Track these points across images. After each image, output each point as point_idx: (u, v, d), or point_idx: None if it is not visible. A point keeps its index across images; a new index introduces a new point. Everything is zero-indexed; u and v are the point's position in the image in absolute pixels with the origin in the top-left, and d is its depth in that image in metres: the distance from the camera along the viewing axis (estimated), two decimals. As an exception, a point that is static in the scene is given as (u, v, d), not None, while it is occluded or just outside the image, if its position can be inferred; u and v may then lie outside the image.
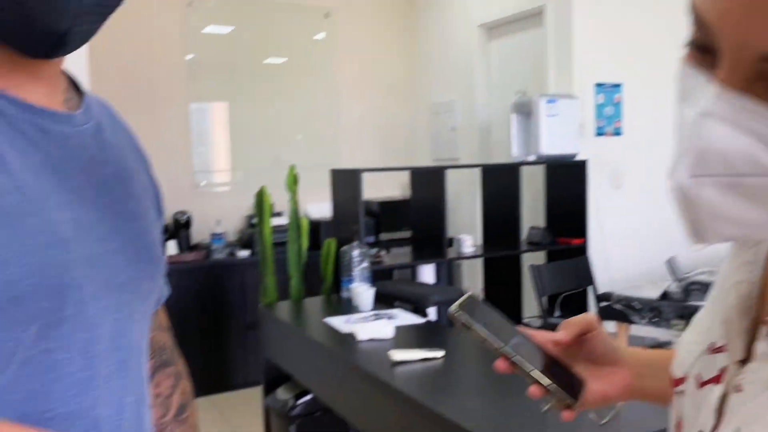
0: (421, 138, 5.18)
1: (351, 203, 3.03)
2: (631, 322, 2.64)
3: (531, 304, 3.72)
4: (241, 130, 4.69)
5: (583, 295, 3.57)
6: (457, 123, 4.71)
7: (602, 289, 3.51)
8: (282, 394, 2.78)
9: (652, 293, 2.68)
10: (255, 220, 4.37)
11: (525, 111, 3.60)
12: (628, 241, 3.86)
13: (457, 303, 0.66)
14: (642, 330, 3.65)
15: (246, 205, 4.69)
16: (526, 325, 3.56)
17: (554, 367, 0.65)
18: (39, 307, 0.48)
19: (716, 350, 0.53)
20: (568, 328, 0.70)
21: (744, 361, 0.49)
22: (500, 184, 3.56)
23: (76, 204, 0.55)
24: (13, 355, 0.48)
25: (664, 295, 2.63)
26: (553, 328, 2.38)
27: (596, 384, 0.67)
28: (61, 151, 0.56)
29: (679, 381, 0.57)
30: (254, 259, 4.19)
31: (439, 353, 1.99)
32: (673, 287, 2.67)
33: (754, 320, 0.50)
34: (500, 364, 0.65)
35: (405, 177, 5.13)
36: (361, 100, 5.02)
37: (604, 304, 2.75)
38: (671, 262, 2.57)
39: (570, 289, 3.45)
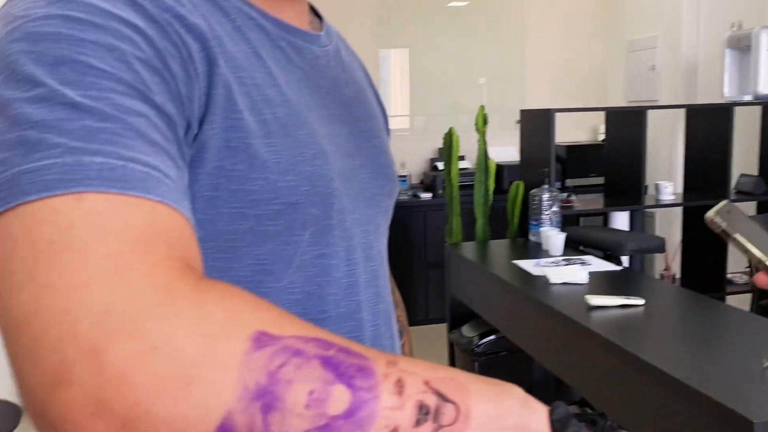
0: (615, 79, 4.85)
1: (541, 145, 2.94)
2: None
3: (736, 261, 3.40)
4: (421, 75, 4.71)
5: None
6: (658, 61, 4.34)
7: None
8: (467, 331, 2.84)
9: None
10: (438, 164, 4.44)
11: (741, 46, 3.22)
12: None
13: (714, 209, 0.61)
14: None
15: (427, 150, 4.75)
16: (729, 281, 3.28)
17: None
18: (311, 213, 0.51)
19: None
20: None
21: None
22: (707, 127, 3.25)
23: (327, 120, 0.58)
24: (293, 257, 0.52)
25: None
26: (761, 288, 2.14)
27: None
28: (312, 69, 0.59)
29: None
30: (436, 202, 4.27)
31: (639, 301, 1.90)
32: None
33: None
34: (762, 278, 0.59)
35: (594, 120, 4.87)
36: (548, 40, 4.81)
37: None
38: None
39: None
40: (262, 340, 0.34)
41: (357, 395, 0.35)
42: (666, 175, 4.12)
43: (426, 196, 4.32)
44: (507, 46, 4.77)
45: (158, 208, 0.37)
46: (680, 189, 3.45)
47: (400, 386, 0.37)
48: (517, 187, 2.95)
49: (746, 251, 0.59)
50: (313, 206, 0.51)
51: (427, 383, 0.39)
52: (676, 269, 3.46)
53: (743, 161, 3.57)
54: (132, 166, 0.37)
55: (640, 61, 4.52)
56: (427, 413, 0.38)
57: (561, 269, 2.23)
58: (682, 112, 3.53)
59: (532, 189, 2.85)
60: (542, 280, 2.19)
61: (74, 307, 0.31)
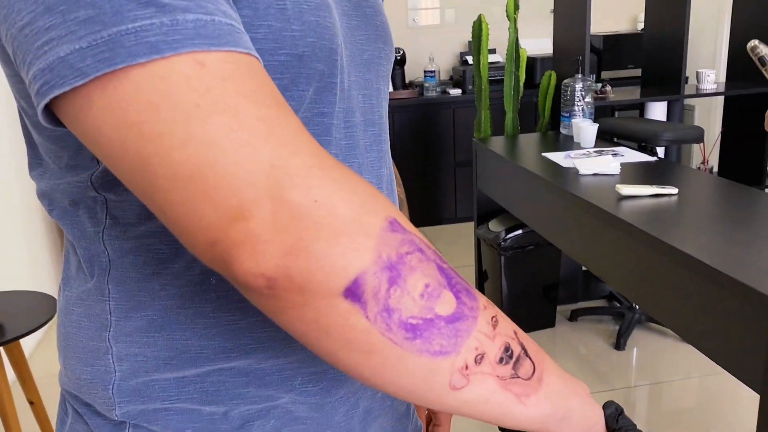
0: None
1: (575, 33, 2.78)
2: None
3: (778, 152, 3.27)
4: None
5: None
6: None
7: None
8: (494, 226, 2.81)
9: None
10: (468, 58, 4.27)
11: None
12: None
13: (756, 40, 0.57)
14: None
15: (457, 44, 4.58)
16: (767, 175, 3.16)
17: None
18: (315, 68, 0.48)
19: None
20: None
21: None
22: (754, 8, 3.03)
23: None
24: (296, 113, 0.49)
25: None
26: None
27: None
28: None
29: None
30: (465, 98, 4.15)
31: (672, 190, 1.83)
32: None
33: None
34: None
35: (634, 9, 4.60)
36: None
37: None
38: None
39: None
40: (395, 225, 0.38)
41: (461, 307, 0.40)
42: (709, 63, 3.91)
43: (455, 92, 4.19)
44: (542, -71, 4.46)
45: (255, 63, 0.38)
46: (723, 78, 3.27)
47: (495, 322, 0.42)
48: (549, 77, 2.83)
49: None
50: (318, 60, 0.48)
51: (516, 333, 0.44)
52: (714, 162, 3.35)
53: (793, 47, 3.35)
54: (218, 19, 0.37)
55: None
56: (510, 357, 0.42)
57: (592, 160, 2.16)
58: (729, -6, 3.29)
59: (564, 79, 2.72)
60: (572, 172, 2.13)
61: (246, 162, 0.35)
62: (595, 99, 2.81)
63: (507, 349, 0.42)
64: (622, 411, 0.51)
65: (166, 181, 0.35)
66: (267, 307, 0.37)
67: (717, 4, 3.84)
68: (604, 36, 4.22)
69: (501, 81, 3.79)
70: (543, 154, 2.41)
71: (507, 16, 2.79)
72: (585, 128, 2.48)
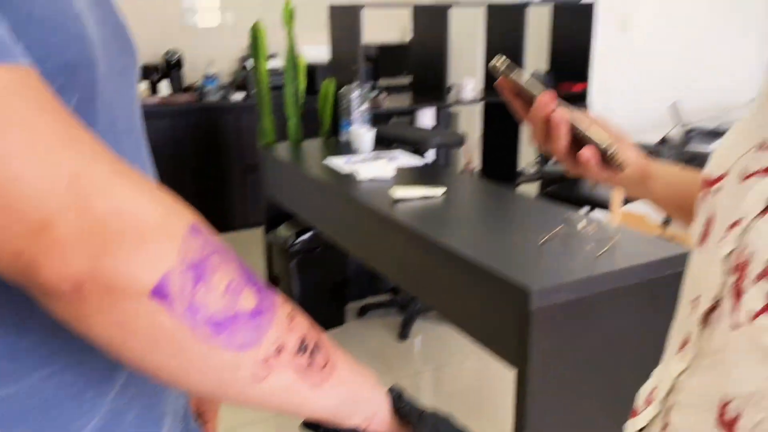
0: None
1: (350, 42, 2.93)
2: (628, 166, 2.67)
3: (528, 152, 3.73)
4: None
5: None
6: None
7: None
8: (283, 231, 2.86)
9: (653, 138, 2.69)
10: (249, 62, 4.26)
11: (534, -54, 3.39)
12: (631, 86, 3.80)
13: (496, 58, 0.68)
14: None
15: (238, 47, 4.54)
16: (520, 173, 3.59)
17: (589, 124, 0.68)
18: (78, 79, 0.48)
19: (766, 147, 0.54)
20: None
21: None
22: (504, 25, 3.43)
23: None
24: None
25: (663, 140, 2.63)
26: (549, 176, 2.43)
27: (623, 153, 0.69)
28: None
29: (717, 180, 0.59)
30: (249, 103, 4.13)
31: (439, 191, 2.02)
32: (674, 132, 2.67)
33: None
34: (542, 106, 0.66)
35: (405, 20, 4.93)
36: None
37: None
38: (674, 106, 2.55)
39: (568, 136, 3.46)
40: (196, 229, 0.41)
41: (261, 303, 0.43)
42: (468, 72, 4.33)
43: (238, 96, 4.16)
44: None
45: (35, 75, 0.38)
46: (481, 86, 3.65)
47: (291, 317, 0.46)
48: (327, 86, 2.94)
49: (521, 88, 0.66)
50: (80, 71, 0.48)
51: (309, 326, 0.47)
52: (476, 163, 3.73)
53: (536, 58, 3.84)
54: None
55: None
56: (306, 348, 0.46)
57: (369, 165, 2.29)
58: (482, 11, 3.68)
59: (342, 87, 2.85)
60: (352, 177, 2.24)
61: (47, 173, 0.35)
62: (371, 106, 2.98)
63: (303, 341, 0.46)
64: (401, 393, 0.57)
65: None
66: (73, 314, 0.37)
67: (473, 17, 4.27)
68: (379, 46, 4.47)
69: (282, 86, 3.84)
70: (325, 160, 2.51)
71: (284, 23, 2.84)
72: (362, 134, 2.62)
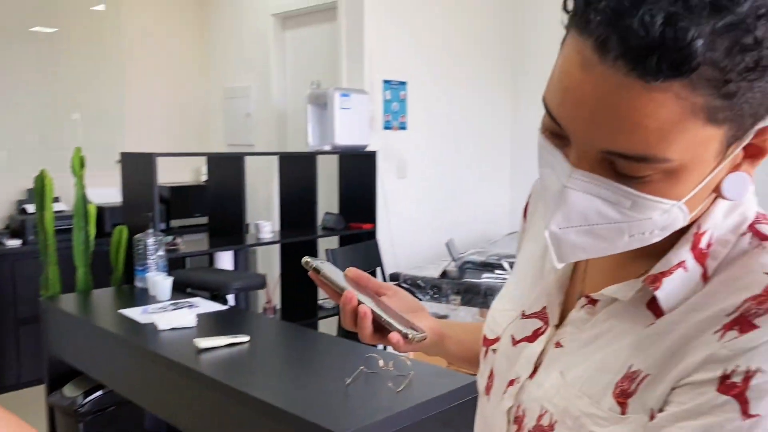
0: (215, 122, 5.09)
1: (144, 189, 2.92)
2: (417, 299, 2.92)
3: (325, 287, 3.89)
4: (3, 106, 4.21)
5: (373, 276, 3.83)
6: (253, 109, 4.72)
7: (390, 269, 3.80)
8: (69, 391, 2.61)
9: (434, 272, 2.99)
10: (27, 206, 3.99)
11: (320, 102, 3.73)
12: (412, 225, 4.21)
13: (309, 257, 0.78)
14: (426, 305, 4.02)
15: (13, 190, 4.24)
16: (321, 307, 3.72)
17: (392, 312, 0.77)
18: None
19: (527, 317, 0.69)
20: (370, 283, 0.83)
21: (557, 326, 0.66)
22: (297, 171, 3.66)
23: None
24: None
25: (444, 274, 2.94)
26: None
27: (419, 323, 0.80)
28: None
29: (494, 341, 0.73)
30: (26, 249, 3.83)
31: (244, 338, 2.04)
32: (451, 266, 3.00)
33: (566, 295, 0.67)
34: (347, 301, 0.75)
35: (197, 162, 5.01)
36: (149, 81, 4.79)
37: (392, 283, 3.00)
38: (449, 244, 2.88)
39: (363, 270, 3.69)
40: None
41: None
42: (264, 214, 4.48)
43: (14, 243, 3.83)
44: (104, 83, 4.59)
45: None
46: (277, 227, 3.79)
47: None
48: (121, 232, 2.86)
49: (331, 283, 0.76)
50: None
51: None
52: (277, 301, 3.79)
53: (327, 201, 4.12)
54: None
55: (236, 107, 4.85)
56: None
57: (169, 314, 2.25)
58: (275, 157, 3.90)
59: (136, 233, 2.80)
60: (151, 327, 2.17)
61: None
62: (167, 251, 2.94)
63: None
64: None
65: None
66: None
67: (267, 162, 4.49)
68: (171, 187, 4.47)
69: (67, 230, 3.63)
70: (119, 310, 2.40)
71: (73, 173, 2.77)
72: (159, 282, 2.57)
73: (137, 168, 2.96)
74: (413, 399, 1.60)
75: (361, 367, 1.77)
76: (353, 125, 3.69)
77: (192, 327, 2.19)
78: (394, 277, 3.02)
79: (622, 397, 0.56)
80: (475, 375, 0.79)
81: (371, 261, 3.74)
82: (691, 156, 0.48)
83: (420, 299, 2.94)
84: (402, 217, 4.13)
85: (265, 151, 4.29)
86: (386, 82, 4.04)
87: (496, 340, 0.73)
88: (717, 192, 0.54)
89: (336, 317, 3.64)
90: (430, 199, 4.33)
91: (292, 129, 4.57)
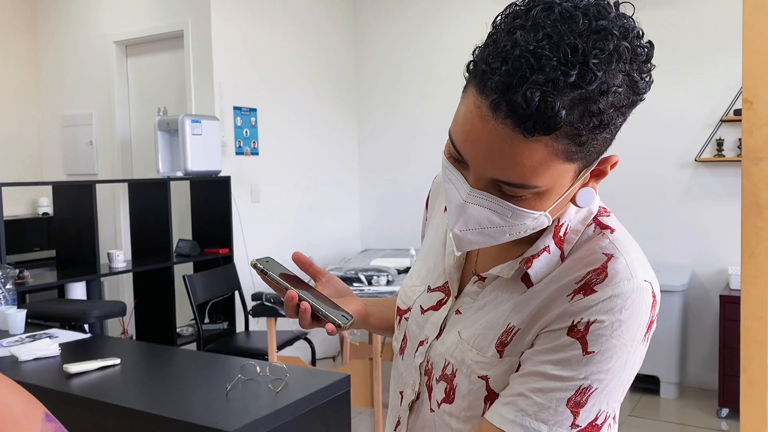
0: (51, 152, 4.86)
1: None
2: (281, 315, 3.04)
3: (183, 313, 3.87)
4: None
5: (231, 300, 3.88)
6: (95, 137, 4.58)
7: (248, 292, 3.88)
8: None
9: (295, 290, 3.13)
10: None
11: (170, 129, 3.75)
12: (269, 248, 4.32)
13: (256, 258, 0.92)
14: (289, 322, 4.13)
15: None
16: (179, 334, 3.71)
17: (326, 300, 0.92)
18: None
19: (433, 290, 0.89)
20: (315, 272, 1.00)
21: (456, 297, 0.86)
22: (148, 198, 3.64)
23: None
24: None
25: (305, 291, 3.09)
26: (207, 334, 2.79)
27: (348, 307, 0.96)
28: None
29: (406, 311, 0.92)
30: None
31: (115, 360, 2.06)
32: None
33: (463, 272, 0.87)
34: (289, 299, 0.90)
35: (33, 193, 4.75)
36: (-26, 108, 4.48)
37: (256, 303, 3.09)
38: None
39: (221, 295, 3.73)
40: (49, 417, 0.55)
41: None
42: (112, 244, 4.35)
43: None
44: None
45: None
46: (129, 256, 3.73)
47: None
48: (-39, 267, 2.70)
49: (276, 283, 0.91)
50: None
51: None
52: (132, 330, 3.71)
53: (180, 228, 4.11)
54: None
55: (77, 135, 4.67)
56: None
57: (30, 345, 2.19)
58: (124, 185, 3.84)
59: (-21, 268, 2.66)
60: (10, 360, 2.11)
61: None
62: (15, 284, 2.81)
63: None
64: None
65: None
66: None
67: (114, 191, 4.38)
68: (6, 221, 4.19)
69: None
70: (-31, 347, 2.28)
71: None
72: (12, 315, 2.48)
73: (-23, 199, 2.81)
74: (291, 397, 1.74)
75: (239, 375, 1.88)
76: (205, 151, 3.75)
77: (56, 356, 2.15)
78: (257, 297, 3.12)
79: (501, 346, 0.77)
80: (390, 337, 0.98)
81: (230, 284, 3.80)
82: (554, 183, 0.70)
83: (283, 316, 3.07)
84: (258, 240, 4.23)
85: (112, 179, 4.18)
86: (236, 108, 4.15)
87: (408, 310, 0.92)
88: (573, 201, 0.77)
89: (194, 344, 3.65)
90: (285, 221, 4.47)
91: (138, 157, 4.50)
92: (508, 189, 0.69)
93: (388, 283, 3.28)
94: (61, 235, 3.34)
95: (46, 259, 4.24)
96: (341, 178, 5.06)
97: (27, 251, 4.28)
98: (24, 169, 4.74)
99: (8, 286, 2.68)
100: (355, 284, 3.21)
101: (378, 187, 5.15)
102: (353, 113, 5.17)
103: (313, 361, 3.82)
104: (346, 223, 5.09)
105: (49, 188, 4.23)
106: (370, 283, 3.24)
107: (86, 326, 2.85)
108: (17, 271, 2.98)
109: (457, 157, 0.72)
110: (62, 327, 2.63)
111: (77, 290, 3.19)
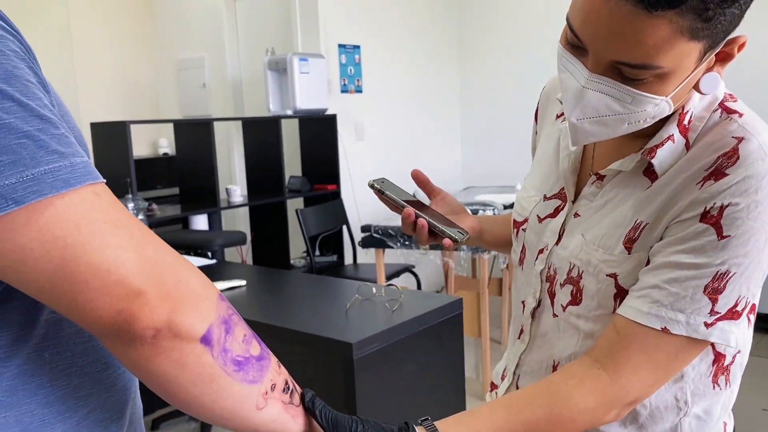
0: (167, 94, 5.12)
1: (118, 156, 3.01)
2: (389, 247, 3.12)
3: (294, 246, 4.06)
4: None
5: (339, 234, 4.02)
6: (208, 79, 4.78)
7: (355, 225, 4.00)
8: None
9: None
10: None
11: (279, 68, 3.85)
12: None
13: (372, 179, 0.96)
14: (397, 253, 4.24)
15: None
16: (293, 266, 3.89)
17: (442, 217, 0.96)
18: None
19: (548, 198, 0.90)
20: (430, 190, 1.03)
21: (574, 201, 0.86)
22: (261, 137, 3.79)
23: None
24: None
25: (412, 223, 3.16)
26: (318, 266, 2.89)
27: (463, 224, 0.99)
28: None
29: (523, 222, 0.93)
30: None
31: (241, 282, 2.21)
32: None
33: (578, 177, 0.87)
34: (407, 216, 0.94)
35: (154, 135, 5.05)
36: (99, 53, 4.78)
37: (365, 234, 3.19)
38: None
39: (330, 229, 3.87)
40: (221, 296, 0.58)
41: (263, 351, 0.61)
42: (230, 180, 4.59)
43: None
44: (53, 55, 4.55)
45: (106, 186, 0.55)
46: (245, 191, 3.93)
47: (279, 364, 0.64)
48: (100, 199, 2.95)
49: (393, 201, 0.94)
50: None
51: (288, 374, 0.65)
52: (249, 261, 3.94)
53: (291, 165, 4.26)
54: (87, 160, 0.53)
55: (190, 78, 4.89)
56: (288, 388, 0.64)
57: (165, 268, 2.39)
58: (238, 124, 4.01)
59: (115, 200, 2.89)
60: (149, 281, 2.31)
61: (141, 258, 0.52)
62: (146, 216, 3.05)
63: (287, 382, 0.64)
64: (314, 396, 0.69)
65: (89, 274, 0.50)
66: (145, 354, 0.52)
67: (227, 131, 4.59)
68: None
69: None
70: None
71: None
72: (147, 242, 2.69)
73: (109, 137, 3.04)
74: (406, 316, 1.82)
75: (356, 295, 1.97)
76: (312, 89, 3.83)
77: (188, 277, 2.34)
78: (366, 229, 3.22)
79: (629, 243, 0.77)
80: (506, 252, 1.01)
81: (338, 218, 3.93)
82: (677, 64, 0.67)
83: (391, 247, 3.15)
84: (363, 176, 4.32)
85: (228, 117, 4.38)
86: (341, 46, 4.19)
87: (525, 221, 0.93)
88: (696, 88, 0.73)
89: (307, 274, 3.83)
90: (387, 158, 4.53)
91: (249, 97, 4.66)
92: (628, 71, 0.67)
93: (494, 216, 3.28)
94: (183, 171, 3.56)
95: (168, 197, 4.54)
96: (442, 114, 5.03)
97: (151, 189, 4.59)
98: (143, 111, 5.04)
99: (140, 217, 2.90)
100: (461, 217, 3.23)
101: (480, 124, 5.08)
102: (455, 49, 5.08)
103: (419, 294, 3.92)
104: (447, 160, 5.08)
105: (169, 130, 4.48)
106: (476, 217, 3.24)
107: (209, 254, 3.06)
108: (147, 203, 3.22)
109: (575, 43, 0.70)
110: (188, 254, 2.83)
111: (200, 222, 3.41)
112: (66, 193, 0.50)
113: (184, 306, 0.53)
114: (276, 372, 0.62)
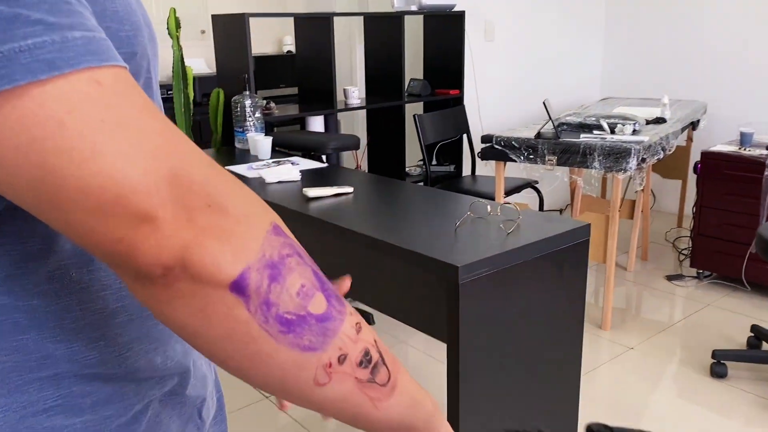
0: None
1: (237, 51, 2.94)
2: (510, 160, 2.89)
3: (411, 153, 3.91)
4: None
5: (459, 143, 3.82)
6: (332, -27, 4.58)
7: (476, 134, 3.76)
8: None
9: (528, 134, 2.94)
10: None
11: (405, -40, 3.57)
12: (501, 91, 4.10)
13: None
14: (519, 167, 3.99)
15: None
16: (407, 174, 3.76)
17: None
18: (142, 65, 0.51)
19: None
20: None
21: None
22: (383, 35, 3.59)
23: None
24: None
25: (538, 135, 2.88)
26: (434, 175, 2.65)
27: None
28: None
29: None
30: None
31: (349, 189, 2.10)
32: (546, 128, 2.94)
33: None
34: None
35: (279, 33, 4.98)
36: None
37: (486, 145, 2.97)
38: (546, 103, 2.81)
39: (450, 137, 3.67)
40: (277, 229, 0.43)
41: (330, 309, 0.44)
42: (348, 81, 4.46)
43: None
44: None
45: (129, 75, 0.41)
46: (364, 93, 3.78)
47: (359, 327, 0.46)
48: (217, 94, 2.93)
49: None
50: (143, 58, 0.51)
51: (376, 341, 0.48)
52: (364, 166, 3.85)
53: (412, 67, 4.05)
54: (97, 35, 0.39)
55: (316, -28, 4.71)
56: (369, 362, 0.46)
57: (275, 169, 2.33)
58: (360, 22, 3.81)
59: (232, 97, 2.85)
60: (259, 181, 2.27)
61: (152, 170, 0.38)
62: (263, 114, 3.00)
63: (367, 353, 0.46)
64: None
65: (77, 191, 0.37)
66: (157, 296, 0.39)
67: (349, 29, 4.41)
68: (255, 57, 4.47)
69: (167, 99, 3.75)
70: (226, 167, 2.50)
71: (169, 34, 2.80)
72: (261, 141, 2.65)
73: (229, 30, 2.97)
74: (522, 240, 1.63)
75: (468, 213, 1.80)
76: (440, -16, 3.53)
77: (297, 181, 2.27)
78: (487, 139, 2.99)
79: None
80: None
81: (459, 126, 3.71)
82: None
83: (513, 161, 2.92)
84: (490, 82, 4.03)
85: (349, 12, 4.19)
86: (474, -64, 3.81)
87: None
88: None
89: (421, 183, 3.68)
90: (518, 64, 4.18)
91: (374, -7, 4.43)
92: None
93: (634, 132, 2.93)
94: (302, 70, 3.46)
95: (290, 96, 4.51)
96: (585, 16, 4.54)
97: (274, 87, 4.57)
98: (269, 4, 4.95)
99: (257, 115, 2.85)
100: (595, 132, 2.91)
101: (626, 29, 4.54)
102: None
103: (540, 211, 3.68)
104: (585, 68, 4.63)
105: (293, 26, 4.37)
106: (613, 132, 2.91)
107: (323, 157, 2.98)
108: (265, 102, 3.17)
109: None
110: (303, 156, 2.76)
111: (316, 123, 3.33)
112: (49, 79, 0.36)
113: (212, 238, 0.39)
114: (350, 339, 0.45)
